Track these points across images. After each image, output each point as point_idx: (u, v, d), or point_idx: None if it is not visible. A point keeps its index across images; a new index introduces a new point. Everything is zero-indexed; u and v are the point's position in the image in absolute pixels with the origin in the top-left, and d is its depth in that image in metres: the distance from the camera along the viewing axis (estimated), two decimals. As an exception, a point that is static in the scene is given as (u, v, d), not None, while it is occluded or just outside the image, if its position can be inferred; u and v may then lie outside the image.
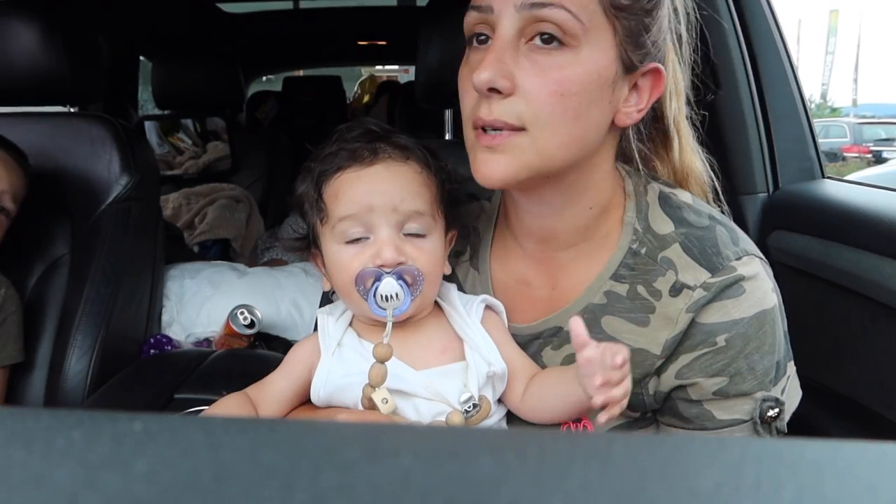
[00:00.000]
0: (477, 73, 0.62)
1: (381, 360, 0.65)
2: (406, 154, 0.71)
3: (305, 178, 0.73)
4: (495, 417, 0.70)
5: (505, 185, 0.68)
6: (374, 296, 0.66)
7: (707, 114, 0.80)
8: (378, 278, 0.66)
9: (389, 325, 0.66)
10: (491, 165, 0.64)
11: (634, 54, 0.65)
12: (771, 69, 1.25)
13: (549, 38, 0.62)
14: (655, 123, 0.76)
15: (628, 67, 0.65)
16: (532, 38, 0.62)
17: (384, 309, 0.66)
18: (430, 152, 0.73)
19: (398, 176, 0.69)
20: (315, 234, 0.73)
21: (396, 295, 0.65)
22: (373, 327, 0.71)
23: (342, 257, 0.69)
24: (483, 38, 0.66)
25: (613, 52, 0.64)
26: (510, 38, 0.63)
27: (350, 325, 0.74)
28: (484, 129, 0.65)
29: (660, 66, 0.67)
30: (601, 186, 0.72)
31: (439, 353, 0.70)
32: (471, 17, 0.66)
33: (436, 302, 0.74)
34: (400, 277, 0.66)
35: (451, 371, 0.69)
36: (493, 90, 0.62)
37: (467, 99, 0.66)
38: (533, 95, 0.62)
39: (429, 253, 0.69)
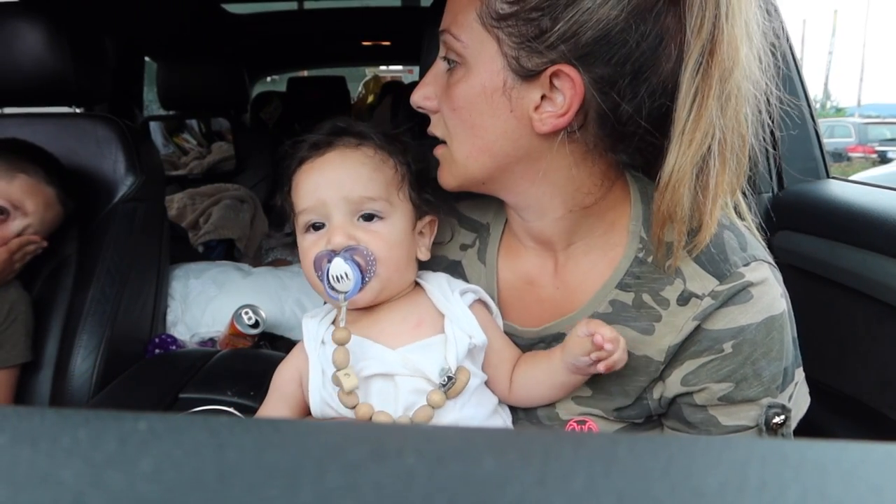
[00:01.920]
0: (412, 95, 0.73)
1: (340, 343, 0.67)
2: (360, 140, 0.74)
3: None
4: (475, 382, 0.71)
5: (451, 189, 0.74)
6: (327, 277, 0.68)
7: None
8: (329, 260, 0.68)
9: (343, 309, 0.68)
10: (438, 172, 0.74)
11: (531, 59, 0.62)
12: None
13: (451, 60, 0.68)
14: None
15: (525, 74, 0.63)
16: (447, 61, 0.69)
17: (337, 293, 0.68)
18: (389, 137, 0.76)
19: (348, 161, 0.72)
20: (294, 228, 0.76)
21: (346, 274, 0.67)
22: (352, 320, 0.71)
23: (304, 245, 0.73)
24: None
25: (499, 63, 0.64)
26: (439, 62, 0.71)
27: (333, 323, 0.74)
28: None
29: (566, 66, 0.61)
30: (569, 190, 0.70)
31: (414, 328, 0.71)
32: None
33: (417, 283, 0.76)
34: (350, 259, 0.68)
35: (430, 345, 0.70)
36: (421, 108, 0.73)
37: None
38: (444, 112, 0.70)
39: (384, 237, 0.71)
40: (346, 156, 0.73)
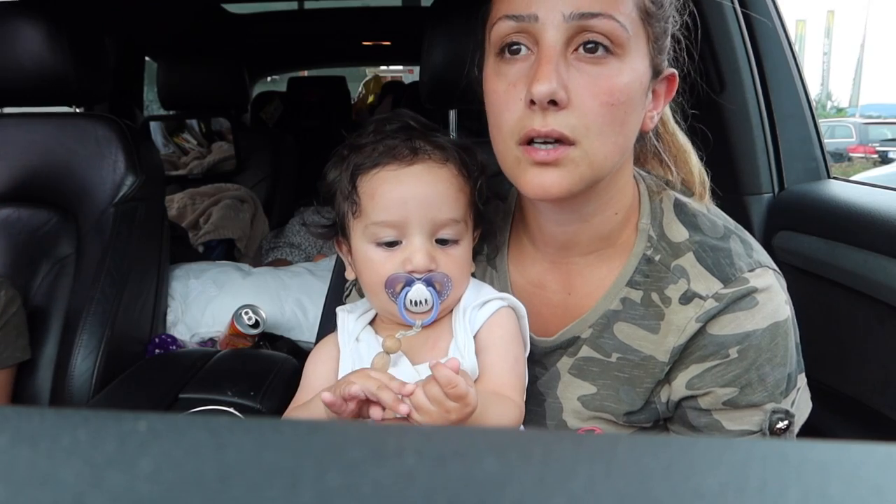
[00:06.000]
0: (537, 85, 0.60)
1: (389, 352, 0.67)
2: (445, 155, 0.69)
3: (338, 165, 0.71)
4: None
5: (562, 199, 0.65)
6: (404, 300, 0.67)
7: (696, 112, 0.79)
8: (408, 284, 0.67)
9: (415, 331, 0.68)
10: (548, 181, 0.62)
11: (658, 59, 0.66)
12: (776, 69, 1.25)
13: (594, 47, 0.61)
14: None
15: (655, 72, 0.67)
16: (577, 48, 0.61)
17: (413, 315, 0.67)
18: (465, 150, 0.72)
19: (437, 180, 0.68)
20: (344, 225, 0.72)
21: (426, 301, 0.67)
22: (391, 324, 0.72)
23: (373, 257, 0.69)
24: (516, 48, 0.63)
25: (648, 59, 0.65)
26: (559, 49, 0.61)
27: (370, 323, 0.75)
28: (531, 143, 0.62)
29: (674, 70, 0.69)
30: (625, 191, 0.72)
31: (430, 350, 0.71)
32: (505, 27, 0.63)
33: None
34: (430, 284, 0.67)
35: None
36: (551, 102, 0.60)
37: (510, 113, 0.63)
38: (586, 107, 0.61)
39: (458, 259, 0.70)
40: (434, 173, 0.68)
